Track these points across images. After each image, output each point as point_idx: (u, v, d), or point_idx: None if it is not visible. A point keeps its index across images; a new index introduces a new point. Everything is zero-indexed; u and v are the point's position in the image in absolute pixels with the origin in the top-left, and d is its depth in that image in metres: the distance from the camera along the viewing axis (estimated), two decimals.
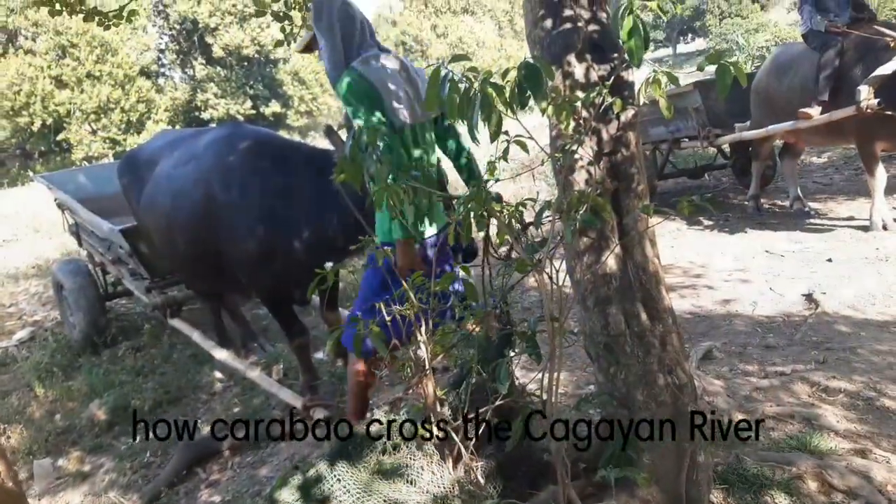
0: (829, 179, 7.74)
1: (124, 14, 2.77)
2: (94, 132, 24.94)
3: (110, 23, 2.74)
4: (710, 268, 5.14)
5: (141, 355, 4.76)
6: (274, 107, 30.66)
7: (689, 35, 54.46)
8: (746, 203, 6.85)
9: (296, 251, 3.12)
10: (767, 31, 33.29)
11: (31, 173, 6.28)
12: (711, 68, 1.62)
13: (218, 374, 4.19)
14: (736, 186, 7.76)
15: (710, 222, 6.51)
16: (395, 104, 2.40)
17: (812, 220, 5.97)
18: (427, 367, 1.67)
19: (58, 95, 23.96)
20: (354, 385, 2.68)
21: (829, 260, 4.80)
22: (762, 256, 5.24)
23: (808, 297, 4.09)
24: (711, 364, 3.36)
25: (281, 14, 2.19)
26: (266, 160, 3.17)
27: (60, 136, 24.69)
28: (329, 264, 1.94)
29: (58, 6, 2.60)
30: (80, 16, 2.60)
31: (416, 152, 2.48)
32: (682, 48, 53.31)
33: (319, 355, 4.13)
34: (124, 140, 24.94)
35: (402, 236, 2.33)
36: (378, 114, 2.32)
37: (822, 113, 5.23)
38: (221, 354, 3.88)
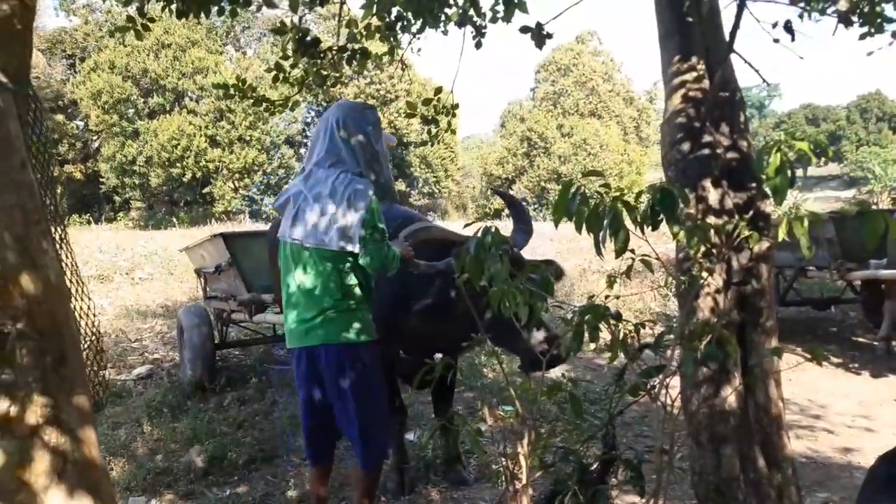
0: None
1: (289, 104, 3.08)
2: (235, 190, 27.05)
3: (275, 109, 3.06)
4: (831, 409, 4.76)
5: (244, 408, 4.93)
6: (399, 185, 32.30)
7: (822, 159, 52.50)
8: (876, 344, 6.32)
9: (415, 330, 3.07)
10: None
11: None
12: (846, 194, 1.56)
13: None
14: (864, 324, 7.20)
15: (836, 360, 6.03)
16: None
17: None
18: (525, 481, 1.63)
19: (210, 153, 26.32)
20: None
21: None
22: (891, 405, 4.81)
23: None
24: None
25: (429, 118, 2.36)
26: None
27: (206, 190, 26.95)
28: (438, 356, 1.97)
29: (231, 91, 2.94)
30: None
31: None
32: (813, 171, 51.35)
33: (410, 437, 4.12)
34: (261, 200, 26.86)
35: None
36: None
37: None
38: None
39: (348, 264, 2.57)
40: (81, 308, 4.95)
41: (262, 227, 20.87)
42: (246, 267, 5.07)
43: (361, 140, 2.64)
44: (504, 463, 1.72)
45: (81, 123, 29.45)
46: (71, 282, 4.80)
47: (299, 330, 2.60)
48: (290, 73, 2.96)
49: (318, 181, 2.63)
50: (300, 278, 2.59)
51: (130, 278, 11.23)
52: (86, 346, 4.94)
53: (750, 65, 2.08)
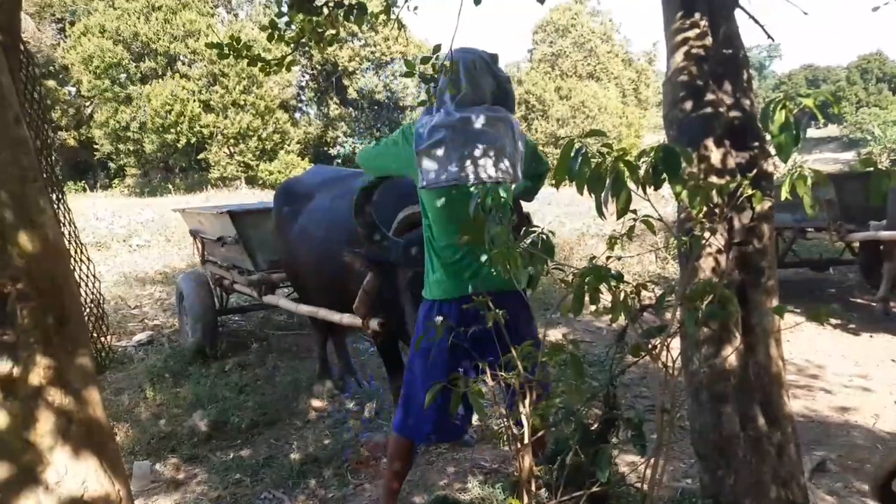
0: None
1: (284, 63, 3.03)
2: (231, 156, 26.79)
3: (271, 70, 3.01)
4: (828, 370, 4.81)
5: (245, 373, 4.97)
6: None
7: (822, 120, 52.16)
8: (874, 305, 6.37)
9: None
10: None
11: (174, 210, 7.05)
12: (844, 156, 1.55)
13: (315, 403, 4.30)
14: (862, 285, 7.24)
15: (833, 321, 6.08)
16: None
17: None
18: (527, 441, 1.64)
19: (204, 118, 25.99)
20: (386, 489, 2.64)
21: None
22: (888, 365, 4.86)
23: None
24: (824, 477, 3.12)
25: (428, 76, 2.30)
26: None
27: (201, 156, 26.68)
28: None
29: (226, 51, 2.88)
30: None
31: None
32: (812, 132, 51.07)
33: None
34: (257, 166, 26.60)
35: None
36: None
37: None
38: None
39: None
40: (82, 272, 4.93)
41: (259, 194, 20.72)
42: (253, 244, 5.05)
43: (509, 84, 2.58)
44: (506, 423, 1.73)
45: (73, 89, 29.02)
46: (70, 243, 4.77)
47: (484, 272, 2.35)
48: (284, 32, 2.91)
49: (476, 121, 2.44)
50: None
51: (128, 245, 11.22)
52: (86, 311, 4.94)
53: (755, 20, 2.04)
